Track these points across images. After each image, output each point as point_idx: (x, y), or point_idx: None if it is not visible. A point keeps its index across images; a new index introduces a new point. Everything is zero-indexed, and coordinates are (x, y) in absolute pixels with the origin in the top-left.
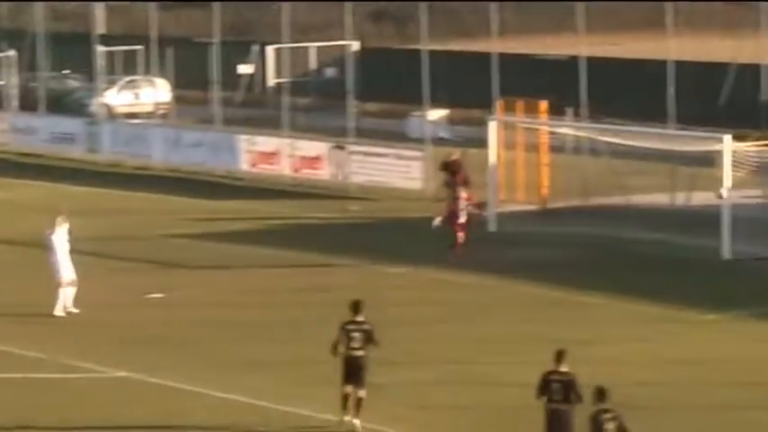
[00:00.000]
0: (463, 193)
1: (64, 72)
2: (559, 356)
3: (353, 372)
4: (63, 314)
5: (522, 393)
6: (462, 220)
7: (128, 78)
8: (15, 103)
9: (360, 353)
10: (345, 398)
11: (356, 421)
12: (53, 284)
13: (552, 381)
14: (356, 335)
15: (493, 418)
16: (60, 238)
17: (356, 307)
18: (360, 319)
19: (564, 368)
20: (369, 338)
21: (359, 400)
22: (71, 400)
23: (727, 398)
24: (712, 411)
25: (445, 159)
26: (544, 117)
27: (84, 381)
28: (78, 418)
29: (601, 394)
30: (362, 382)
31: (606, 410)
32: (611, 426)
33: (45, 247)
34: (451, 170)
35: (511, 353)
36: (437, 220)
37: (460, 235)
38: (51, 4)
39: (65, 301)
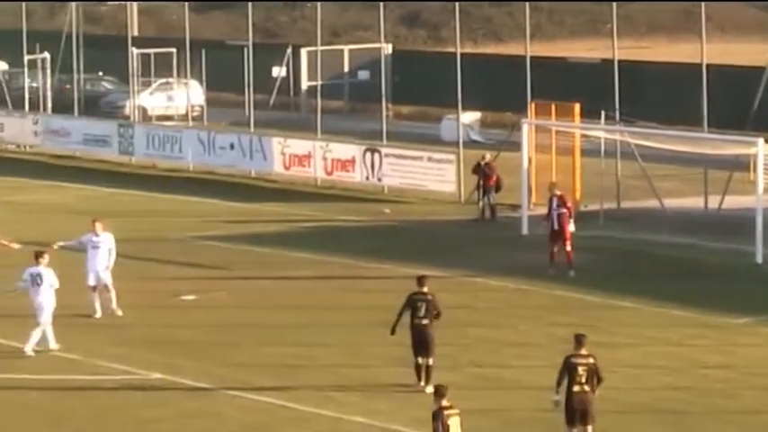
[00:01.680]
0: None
1: (98, 74)
2: (579, 340)
3: (422, 342)
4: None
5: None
6: (571, 229)
7: (161, 81)
8: (49, 105)
9: (425, 321)
10: (418, 368)
11: (428, 388)
12: (86, 287)
13: (578, 364)
14: (421, 305)
15: (522, 420)
16: (96, 244)
17: (421, 280)
18: (424, 290)
19: (585, 351)
20: (432, 308)
21: (428, 368)
22: (105, 402)
23: (756, 402)
24: (741, 415)
25: (478, 162)
26: (577, 120)
27: (119, 383)
28: (112, 420)
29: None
30: (430, 351)
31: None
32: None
33: (82, 248)
34: (484, 173)
35: (543, 356)
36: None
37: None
38: (85, 6)
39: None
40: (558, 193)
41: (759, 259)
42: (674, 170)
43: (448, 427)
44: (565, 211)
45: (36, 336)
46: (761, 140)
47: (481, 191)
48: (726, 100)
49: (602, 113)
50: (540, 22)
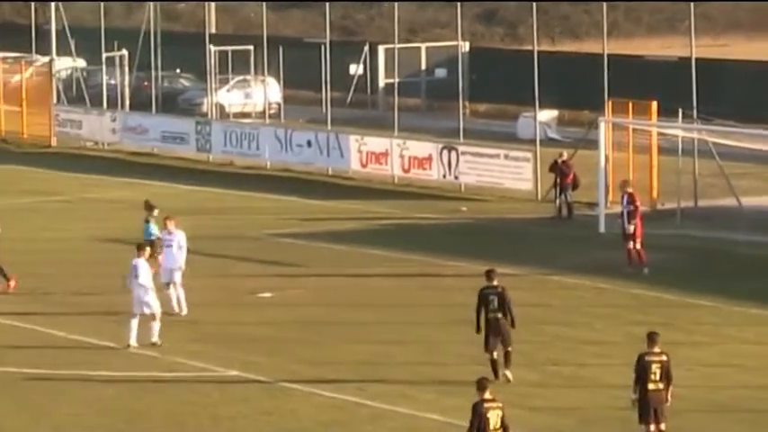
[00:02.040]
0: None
1: (175, 72)
2: (652, 338)
3: (497, 333)
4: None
5: (629, 395)
6: (630, 230)
7: (239, 78)
8: (127, 102)
9: (499, 315)
10: (493, 363)
11: (508, 372)
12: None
13: (651, 362)
14: (493, 298)
15: (598, 418)
16: (168, 242)
17: (489, 274)
18: (494, 283)
19: (657, 349)
20: (504, 301)
21: (506, 354)
22: (182, 398)
23: None
24: None
25: (555, 160)
26: (654, 118)
27: (196, 379)
28: (189, 417)
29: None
30: (506, 341)
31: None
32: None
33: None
34: (561, 171)
35: (620, 355)
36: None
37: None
38: (163, 3)
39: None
40: (629, 190)
41: None
42: (752, 168)
43: (488, 420)
44: (632, 208)
45: (156, 327)
46: None
47: (558, 189)
48: None
49: (680, 111)
50: (617, 19)
